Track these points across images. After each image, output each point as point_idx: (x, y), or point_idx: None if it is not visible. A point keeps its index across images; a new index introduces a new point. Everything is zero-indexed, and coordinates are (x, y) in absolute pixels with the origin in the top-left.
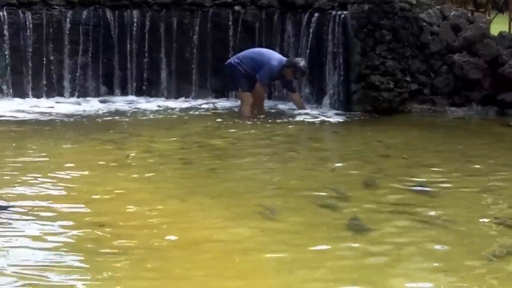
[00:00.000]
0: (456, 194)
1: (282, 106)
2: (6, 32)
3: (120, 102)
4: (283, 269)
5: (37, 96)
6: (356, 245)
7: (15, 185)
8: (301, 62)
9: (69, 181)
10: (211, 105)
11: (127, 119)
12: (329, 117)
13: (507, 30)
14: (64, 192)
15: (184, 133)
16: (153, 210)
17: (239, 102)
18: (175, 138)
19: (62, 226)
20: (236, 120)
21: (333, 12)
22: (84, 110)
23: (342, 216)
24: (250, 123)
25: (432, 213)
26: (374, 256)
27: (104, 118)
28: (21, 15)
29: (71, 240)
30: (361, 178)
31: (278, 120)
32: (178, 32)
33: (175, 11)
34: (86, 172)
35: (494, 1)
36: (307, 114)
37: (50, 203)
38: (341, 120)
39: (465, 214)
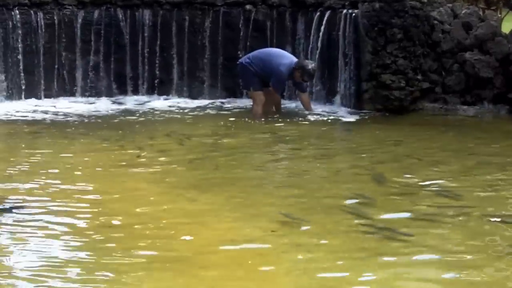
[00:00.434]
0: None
1: (289, 105)
2: (18, 32)
3: (131, 102)
4: (295, 270)
5: (49, 96)
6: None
7: (26, 185)
8: (310, 65)
9: (80, 181)
10: (223, 105)
11: (138, 119)
12: (340, 116)
13: None
14: (75, 192)
15: (195, 132)
16: (164, 210)
17: (251, 102)
18: (186, 138)
19: (74, 226)
20: (248, 119)
21: (344, 11)
22: (95, 110)
23: (353, 215)
24: (262, 122)
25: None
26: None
27: (116, 118)
28: (33, 15)
29: (83, 240)
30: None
31: (290, 120)
32: (190, 31)
33: (186, 11)
34: (97, 172)
35: None
36: (318, 114)
37: (61, 203)
38: (352, 119)
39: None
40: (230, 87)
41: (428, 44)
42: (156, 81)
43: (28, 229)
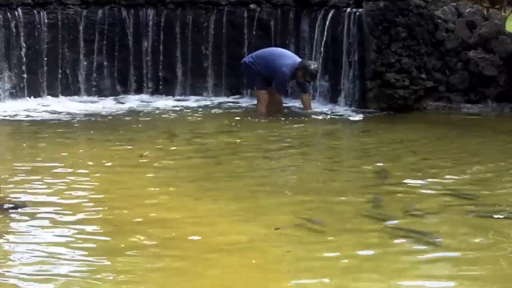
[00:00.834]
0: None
1: (294, 104)
2: (21, 32)
3: (135, 101)
4: (299, 269)
5: (52, 95)
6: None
7: (29, 184)
8: (313, 65)
9: (84, 180)
10: (227, 104)
11: (142, 118)
12: (345, 115)
13: None
14: (78, 191)
15: (199, 132)
16: (168, 209)
17: (255, 101)
18: (190, 137)
19: (78, 226)
20: (252, 118)
21: (348, 10)
22: (99, 110)
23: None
24: (266, 121)
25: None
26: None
27: (119, 117)
28: (36, 14)
29: (86, 240)
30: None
31: (295, 119)
32: (193, 30)
33: (190, 10)
34: (101, 171)
35: None
36: (322, 113)
37: (64, 203)
38: (357, 118)
39: None
40: (234, 86)
41: (432, 42)
42: (160, 81)
43: (30, 229)
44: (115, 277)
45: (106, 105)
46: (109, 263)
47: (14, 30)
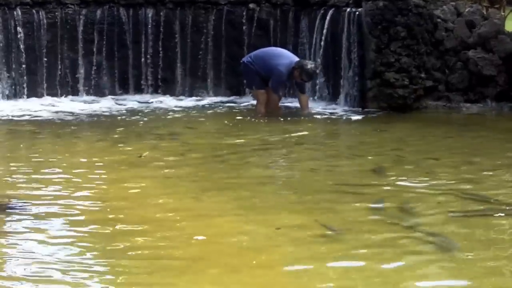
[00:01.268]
0: None
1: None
2: (20, 32)
3: (134, 101)
4: (300, 269)
5: (52, 95)
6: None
7: (29, 184)
8: (309, 65)
9: (83, 180)
10: (226, 103)
11: (141, 118)
12: (345, 114)
13: None
14: (78, 192)
15: (199, 131)
16: (168, 209)
17: (255, 101)
18: (190, 137)
19: (78, 226)
20: (252, 118)
21: (348, 9)
22: (98, 109)
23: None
24: (265, 121)
25: None
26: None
27: (119, 117)
28: (35, 14)
29: (86, 240)
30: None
31: (294, 119)
32: (193, 30)
33: (189, 9)
34: (100, 171)
35: None
36: (322, 112)
37: (64, 203)
38: (357, 117)
39: None
40: (233, 86)
41: (432, 42)
42: (159, 80)
43: (29, 228)
44: (115, 278)
45: (105, 105)
46: (108, 263)
47: (13, 29)
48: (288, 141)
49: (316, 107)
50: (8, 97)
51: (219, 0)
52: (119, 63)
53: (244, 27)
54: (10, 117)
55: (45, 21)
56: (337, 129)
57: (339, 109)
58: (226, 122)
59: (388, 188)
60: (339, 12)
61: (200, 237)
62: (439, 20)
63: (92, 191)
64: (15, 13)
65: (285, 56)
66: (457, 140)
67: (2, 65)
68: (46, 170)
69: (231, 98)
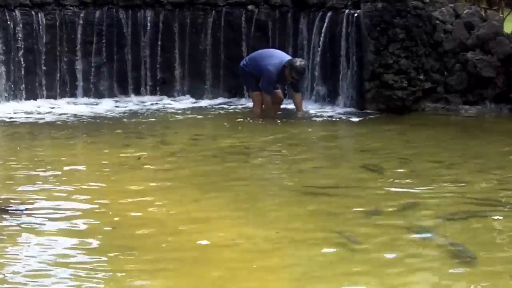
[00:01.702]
0: None
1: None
2: (19, 33)
3: (133, 103)
4: (299, 271)
5: (51, 97)
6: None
7: (28, 187)
8: (299, 62)
9: (82, 182)
10: (225, 105)
11: (140, 120)
12: (343, 116)
13: None
14: (77, 194)
15: (197, 133)
16: (167, 211)
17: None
18: (188, 139)
19: (77, 228)
20: (250, 120)
21: (346, 11)
22: (97, 111)
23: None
24: (263, 123)
25: None
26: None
27: (117, 119)
28: (34, 15)
29: (86, 242)
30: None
31: (291, 121)
32: (192, 31)
33: (188, 11)
34: (99, 173)
35: None
36: (320, 114)
37: (64, 205)
38: (355, 119)
39: None
40: (232, 88)
41: (430, 44)
42: (158, 82)
43: (30, 231)
44: (114, 279)
45: (104, 106)
46: (108, 266)
47: (12, 31)
48: (286, 143)
49: (315, 108)
50: (7, 99)
51: (218, 2)
52: (118, 65)
53: (242, 29)
54: (9, 119)
55: (44, 22)
56: (336, 130)
57: (337, 111)
58: (224, 123)
59: (389, 189)
60: (337, 13)
61: (200, 240)
62: (437, 22)
63: (91, 192)
64: (14, 14)
65: (276, 56)
66: (456, 142)
67: (1, 66)
68: (45, 172)
69: (230, 99)
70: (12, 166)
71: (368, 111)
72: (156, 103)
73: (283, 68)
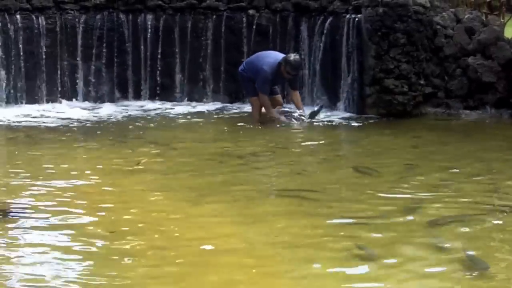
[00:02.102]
0: None
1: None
2: (20, 37)
3: (133, 107)
4: (298, 276)
5: (51, 101)
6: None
7: (28, 191)
8: (293, 57)
9: (81, 186)
10: (225, 110)
11: (140, 124)
12: (344, 120)
13: None
14: (77, 198)
15: (198, 138)
16: (166, 216)
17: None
18: (188, 143)
19: (77, 232)
20: (249, 124)
21: (347, 16)
22: (97, 115)
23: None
24: (262, 127)
25: None
26: None
27: (118, 123)
28: (35, 19)
29: (86, 247)
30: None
31: (291, 125)
32: (192, 36)
33: (189, 15)
34: (99, 177)
35: (508, 4)
36: (322, 119)
37: (63, 209)
38: (356, 124)
39: None
40: (232, 92)
41: (431, 48)
42: (158, 86)
43: (27, 233)
44: (112, 284)
45: (104, 110)
46: (106, 269)
47: (12, 35)
48: (285, 147)
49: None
50: (7, 103)
51: (219, 6)
52: (118, 69)
53: (243, 33)
54: (9, 123)
55: (44, 26)
56: (336, 135)
57: (338, 115)
58: (224, 128)
59: (392, 194)
60: (338, 18)
61: (198, 243)
62: (438, 26)
63: (90, 197)
64: (14, 18)
65: (271, 56)
66: (456, 147)
67: (2, 70)
68: (45, 176)
69: (230, 104)
70: (11, 170)
71: (368, 115)
72: (157, 108)
73: (278, 66)
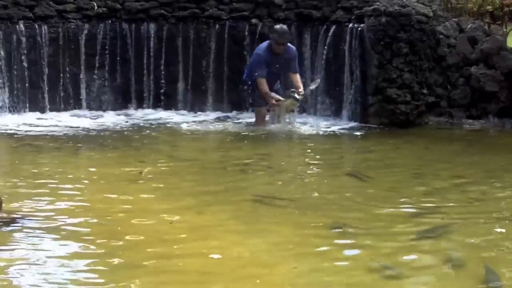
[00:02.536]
0: None
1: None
2: (23, 45)
3: (136, 116)
4: (301, 283)
5: (53, 109)
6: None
7: (31, 198)
8: (278, 25)
9: (84, 195)
10: (228, 118)
11: (143, 133)
12: (346, 129)
13: None
14: (80, 207)
15: (200, 146)
16: (170, 225)
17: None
18: (191, 152)
19: (80, 241)
20: (252, 133)
21: (350, 25)
22: (100, 124)
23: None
24: (264, 135)
25: None
26: None
27: (120, 132)
28: (38, 28)
29: (89, 255)
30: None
31: (293, 135)
32: (195, 45)
33: (192, 24)
34: (103, 186)
35: (511, 13)
36: (324, 128)
37: (66, 218)
38: (358, 133)
39: None
40: (235, 101)
41: (434, 58)
42: (161, 95)
43: (31, 242)
44: None
45: (107, 119)
46: (110, 279)
47: (15, 43)
48: (288, 156)
49: (318, 122)
50: (10, 111)
51: (221, 15)
52: (121, 78)
53: (246, 42)
54: (12, 131)
55: (47, 35)
56: (338, 144)
57: (340, 125)
58: (227, 137)
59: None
60: (341, 27)
61: (202, 253)
62: (441, 36)
63: (93, 206)
64: (17, 27)
65: (262, 43)
66: (459, 156)
67: (5, 78)
68: (48, 185)
69: (233, 113)
70: (14, 178)
71: (371, 125)
72: (159, 116)
73: (270, 46)
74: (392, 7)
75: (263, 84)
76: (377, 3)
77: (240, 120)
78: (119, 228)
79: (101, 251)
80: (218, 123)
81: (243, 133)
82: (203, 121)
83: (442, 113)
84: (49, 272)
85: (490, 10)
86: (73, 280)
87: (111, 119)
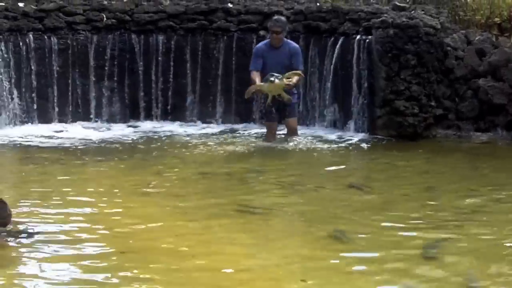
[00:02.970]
0: None
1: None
2: (32, 57)
3: (144, 127)
4: None
5: (63, 121)
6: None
7: (39, 211)
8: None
9: (92, 207)
10: (236, 130)
11: (151, 145)
12: (354, 142)
13: None
14: (88, 218)
15: (209, 159)
16: (176, 237)
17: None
18: (199, 164)
19: (88, 252)
20: (259, 145)
21: (358, 37)
22: (108, 135)
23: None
24: (272, 148)
25: None
26: None
27: (128, 144)
28: (47, 40)
29: (96, 267)
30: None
31: (303, 147)
32: (203, 56)
33: (200, 36)
34: (109, 198)
35: None
36: (331, 140)
37: (75, 228)
38: (366, 145)
39: None
40: (243, 113)
41: (442, 70)
42: (169, 107)
43: (41, 255)
44: None
45: (115, 131)
46: None
47: (24, 55)
48: (296, 168)
49: (325, 133)
50: (19, 122)
51: (230, 27)
52: (130, 89)
53: None
54: (21, 143)
55: (56, 47)
56: (346, 156)
57: (348, 136)
58: (235, 149)
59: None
60: (349, 39)
61: (209, 267)
62: (449, 48)
63: (100, 218)
64: (27, 39)
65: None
66: (468, 168)
67: (14, 90)
68: (55, 196)
69: (241, 125)
70: (22, 190)
71: (379, 137)
72: (168, 128)
73: (268, 40)
74: (400, 19)
75: (254, 77)
76: (385, 15)
77: (248, 132)
78: (126, 240)
79: (109, 263)
80: (226, 135)
81: (251, 146)
82: (211, 132)
83: (450, 126)
84: (58, 284)
85: (498, 22)
86: None
87: (119, 130)
